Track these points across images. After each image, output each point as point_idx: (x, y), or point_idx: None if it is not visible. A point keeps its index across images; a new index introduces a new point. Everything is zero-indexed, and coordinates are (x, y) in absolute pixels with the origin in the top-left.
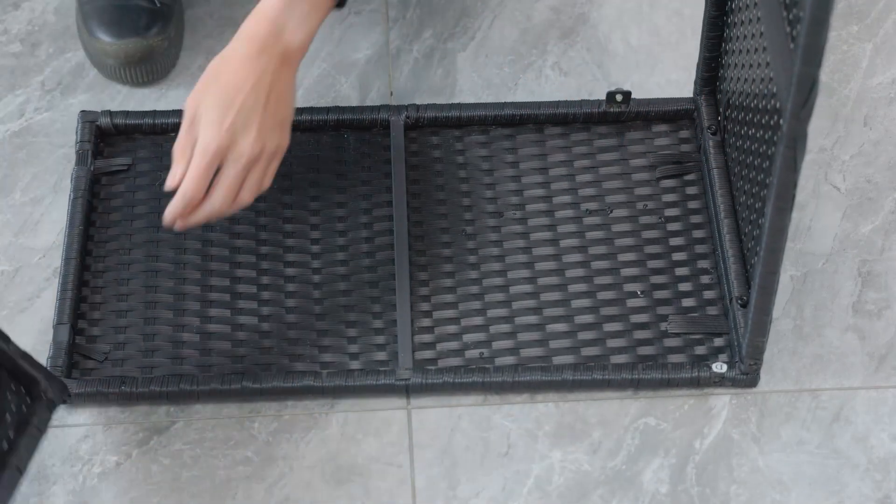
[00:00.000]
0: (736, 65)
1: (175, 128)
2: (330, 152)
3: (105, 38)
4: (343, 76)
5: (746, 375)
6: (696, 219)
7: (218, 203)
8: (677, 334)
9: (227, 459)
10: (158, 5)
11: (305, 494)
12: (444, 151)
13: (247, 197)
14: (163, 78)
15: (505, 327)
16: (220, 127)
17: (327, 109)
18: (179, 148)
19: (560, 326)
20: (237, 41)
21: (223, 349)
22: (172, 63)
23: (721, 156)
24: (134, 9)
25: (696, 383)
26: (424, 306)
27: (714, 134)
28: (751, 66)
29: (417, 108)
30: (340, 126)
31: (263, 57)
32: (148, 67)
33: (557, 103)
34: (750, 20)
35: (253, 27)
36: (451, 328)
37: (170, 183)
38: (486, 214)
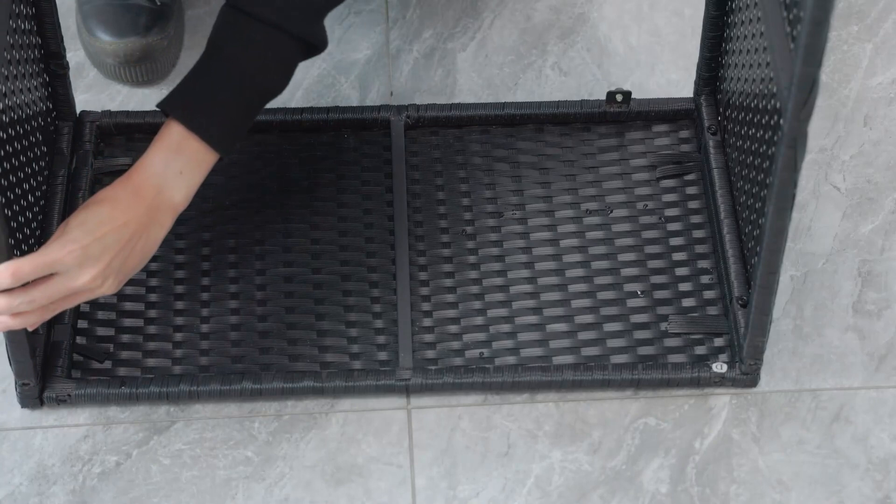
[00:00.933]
0: (736, 65)
1: None
2: (330, 152)
3: (105, 37)
4: (343, 76)
5: (746, 375)
6: (696, 219)
7: (14, 305)
8: (677, 334)
9: (227, 459)
10: (158, 4)
11: (305, 494)
12: (444, 151)
13: (35, 318)
14: (163, 78)
15: (505, 327)
16: (73, 245)
17: (327, 109)
18: (42, 249)
19: (560, 326)
20: (119, 182)
21: (223, 349)
22: (172, 62)
23: (721, 156)
24: (133, 8)
25: (696, 383)
26: (425, 306)
27: (714, 134)
28: (751, 66)
29: (417, 108)
30: (340, 126)
31: (137, 206)
32: (148, 67)
33: (557, 103)
34: (750, 20)
35: (135, 177)
36: (452, 328)
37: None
38: (486, 214)
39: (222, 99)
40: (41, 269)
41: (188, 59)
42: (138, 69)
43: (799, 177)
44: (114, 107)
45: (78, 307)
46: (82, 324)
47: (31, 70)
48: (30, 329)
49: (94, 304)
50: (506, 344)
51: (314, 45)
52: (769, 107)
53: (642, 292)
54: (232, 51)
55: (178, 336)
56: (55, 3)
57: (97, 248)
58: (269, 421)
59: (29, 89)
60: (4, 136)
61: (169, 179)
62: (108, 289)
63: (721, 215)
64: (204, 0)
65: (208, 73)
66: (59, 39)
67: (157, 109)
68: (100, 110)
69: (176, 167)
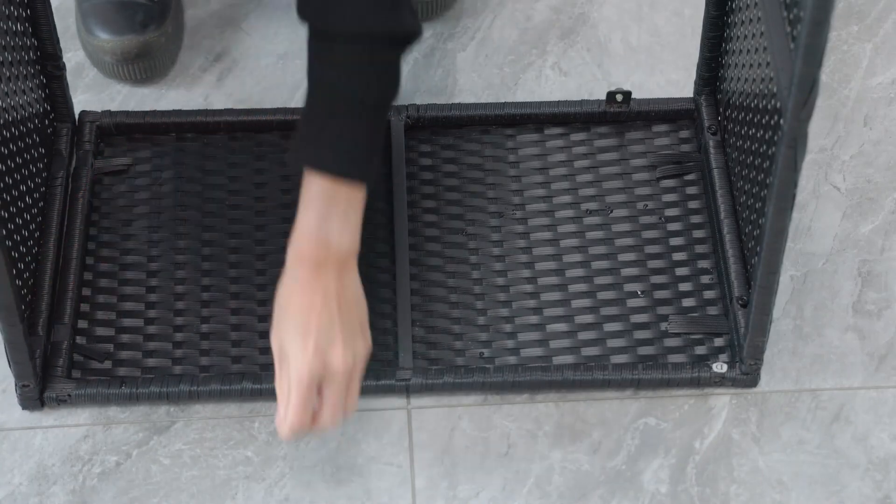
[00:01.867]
0: (736, 65)
1: (175, 128)
2: None
3: (102, 35)
4: None
5: (746, 375)
6: (696, 219)
7: (328, 424)
8: (677, 334)
9: (227, 459)
10: (155, 1)
11: (305, 494)
12: (444, 151)
13: (351, 407)
14: (162, 75)
15: (505, 327)
16: (305, 353)
17: None
18: (278, 387)
19: (560, 326)
20: (291, 267)
21: (223, 349)
22: (171, 59)
23: (721, 156)
24: (131, 5)
25: (696, 383)
26: (425, 306)
27: (714, 134)
28: (751, 66)
29: (417, 108)
30: None
31: (321, 273)
32: (146, 64)
33: (557, 103)
34: (750, 20)
35: (300, 248)
36: (452, 328)
37: (278, 423)
38: (486, 214)
39: (340, 132)
40: (305, 404)
41: (188, 59)
42: (136, 66)
43: (799, 177)
44: (114, 107)
45: (78, 307)
46: (82, 324)
47: (27, 72)
48: (352, 411)
49: (94, 304)
50: (506, 344)
51: (403, 35)
52: (769, 107)
53: (642, 292)
54: (327, 80)
55: (178, 336)
56: (50, 4)
57: (324, 340)
58: (269, 421)
59: (25, 91)
60: (2, 137)
61: (331, 232)
62: (363, 349)
63: (721, 215)
64: (204, 0)
65: (315, 112)
66: (55, 41)
67: (157, 109)
68: (99, 110)
69: (335, 215)
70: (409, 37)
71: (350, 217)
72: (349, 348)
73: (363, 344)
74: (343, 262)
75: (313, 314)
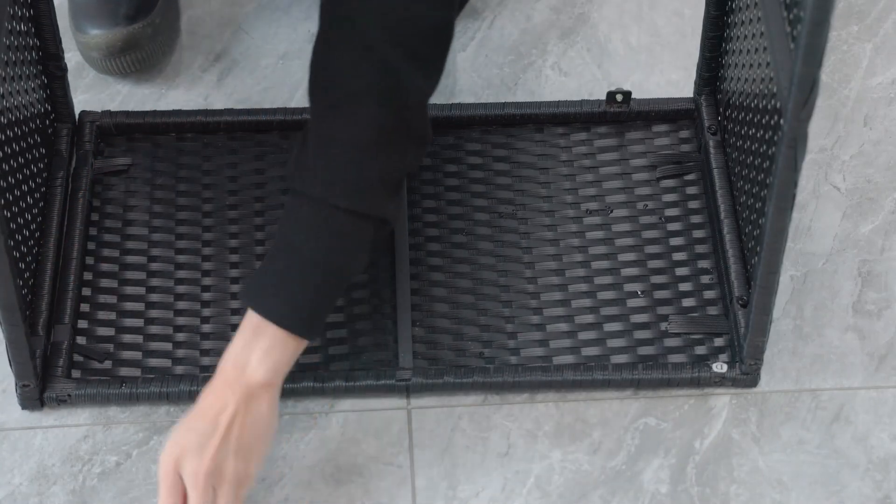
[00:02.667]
0: (736, 65)
1: (175, 128)
2: None
3: (90, 30)
4: None
5: (746, 375)
6: (696, 219)
7: None
8: (677, 334)
9: None
10: None
11: (305, 494)
12: (444, 151)
13: None
14: (154, 66)
15: (505, 327)
16: (173, 442)
17: None
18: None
19: (560, 326)
20: (214, 376)
21: (223, 349)
22: (163, 51)
23: (721, 156)
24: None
25: (696, 383)
26: (425, 306)
27: (714, 134)
28: (751, 66)
29: None
30: None
31: (227, 391)
32: (134, 56)
33: (557, 103)
34: (750, 20)
35: (222, 363)
36: (452, 328)
37: None
38: (486, 214)
39: (293, 286)
40: (202, 498)
41: (188, 59)
42: (124, 60)
43: (799, 177)
44: (114, 107)
45: (78, 307)
46: (82, 324)
47: (29, 72)
48: None
49: (95, 303)
50: (506, 344)
51: (387, 220)
52: (769, 107)
53: (642, 292)
54: (296, 237)
55: (179, 336)
56: (53, 4)
57: (200, 436)
58: None
59: (27, 91)
60: (3, 137)
61: (250, 359)
62: (239, 471)
63: (721, 215)
64: (204, 0)
65: (273, 257)
66: (58, 41)
67: (157, 109)
68: (100, 110)
69: (258, 347)
70: (390, 225)
71: (272, 354)
72: (213, 462)
73: (243, 466)
74: (252, 390)
75: (202, 418)
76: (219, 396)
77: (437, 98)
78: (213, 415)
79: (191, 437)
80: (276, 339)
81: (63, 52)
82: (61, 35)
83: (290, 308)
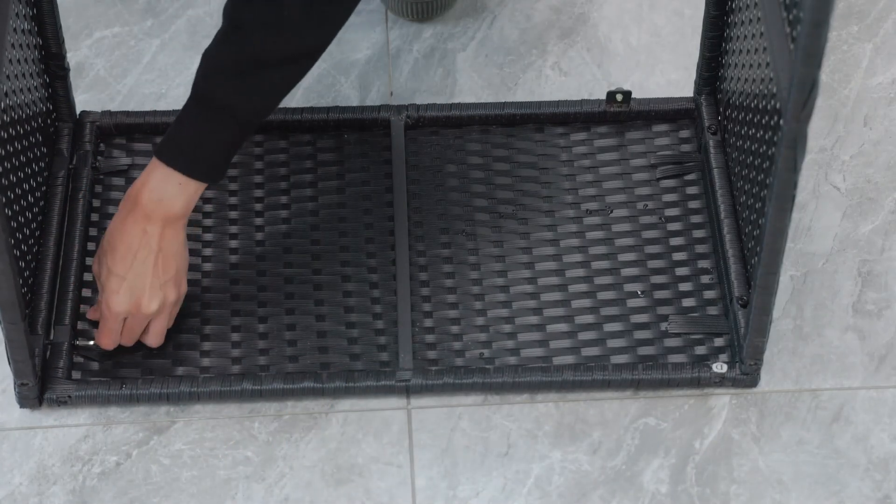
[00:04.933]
0: (736, 65)
1: None
2: (330, 152)
3: None
4: (343, 76)
5: (746, 375)
6: (696, 219)
7: (127, 344)
8: (677, 334)
9: (227, 459)
10: None
11: (305, 494)
12: (444, 151)
13: (153, 342)
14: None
15: (505, 327)
16: (117, 295)
17: (327, 109)
18: (96, 309)
19: (560, 327)
20: (124, 208)
21: (223, 350)
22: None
23: (721, 156)
24: None
25: (696, 383)
26: (425, 307)
27: (714, 134)
28: (751, 66)
29: (417, 108)
30: (340, 126)
31: (148, 224)
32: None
33: (557, 103)
34: (750, 20)
35: (137, 195)
36: (452, 328)
37: (96, 338)
38: (486, 214)
39: (198, 138)
40: (113, 334)
41: (188, 59)
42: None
43: (799, 177)
44: (114, 107)
45: (78, 307)
46: (82, 324)
47: (31, 70)
48: (156, 345)
49: (95, 304)
50: (506, 344)
51: (289, 54)
52: (769, 107)
53: (642, 292)
54: (201, 84)
55: (178, 337)
56: (56, 4)
57: (135, 285)
58: (269, 421)
59: (29, 90)
60: (5, 135)
61: (166, 193)
62: (173, 297)
63: (721, 215)
64: (204, 0)
65: (185, 113)
66: (60, 41)
67: (157, 110)
68: (100, 110)
69: (169, 182)
70: (300, 54)
71: (187, 189)
72: (156, 298)
73: (174, 291)
74: (170, 220)
75: (133, 262)
76: (143, 237)
77: (438, 98)
78: (140, 258)
79: (124, 278)
80: (189, 181)
81: (65, 52)
82: (64, 34)
83: (204, 162)
